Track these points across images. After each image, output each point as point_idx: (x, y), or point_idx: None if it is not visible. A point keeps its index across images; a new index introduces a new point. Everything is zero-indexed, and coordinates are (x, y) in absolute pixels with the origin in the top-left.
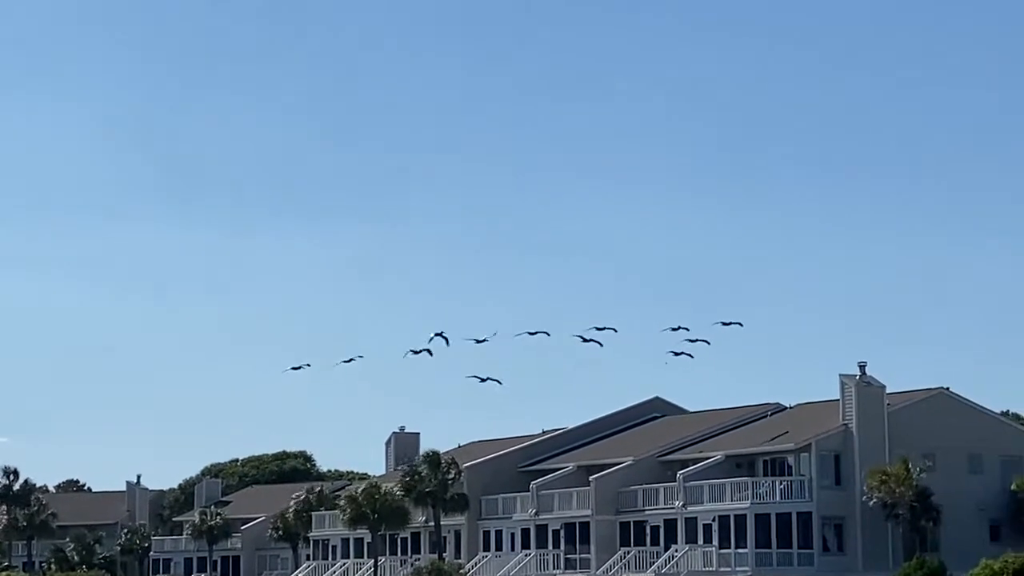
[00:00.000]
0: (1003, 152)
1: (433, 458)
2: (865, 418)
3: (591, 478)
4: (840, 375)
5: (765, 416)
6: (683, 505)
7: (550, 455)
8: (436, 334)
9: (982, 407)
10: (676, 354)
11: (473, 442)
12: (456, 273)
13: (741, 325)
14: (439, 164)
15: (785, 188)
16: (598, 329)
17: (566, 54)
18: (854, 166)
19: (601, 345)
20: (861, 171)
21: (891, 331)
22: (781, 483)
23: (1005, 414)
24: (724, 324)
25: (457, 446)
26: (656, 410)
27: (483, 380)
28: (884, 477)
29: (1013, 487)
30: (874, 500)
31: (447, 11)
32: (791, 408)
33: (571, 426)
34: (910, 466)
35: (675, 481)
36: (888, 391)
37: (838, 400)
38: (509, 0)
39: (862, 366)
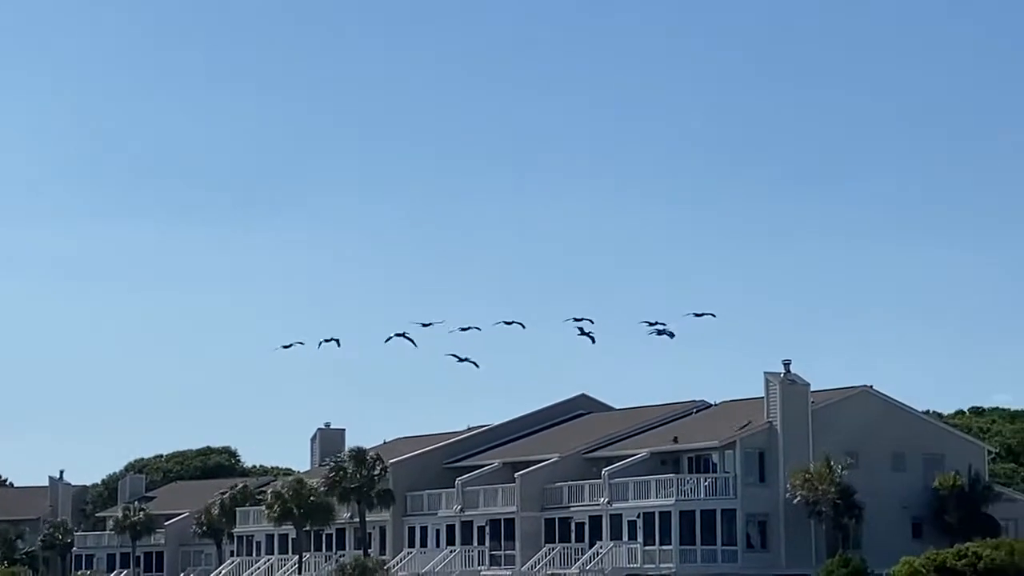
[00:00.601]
0: (926, 153)
1: (359, 454)
2: (789, 416)
3: (516, 475)
4: (765, 373)
5: (690, 413)
6: (608, 502)
7: (476, 452)
8: (398, 334)
9: (905, 405)
10: (659, 333)
11: (399, 438)
12: (398, 268)
13: (714, 316)
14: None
15: (711, 188)
16: (507, 323)
17: (559, 57)
18: (779, 166)
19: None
20: (786, 171)
21: (816, 330)
22: (706, 480)
23: (927, 412)
24: (696, 315)
25: (383, 442)
26: (582, 407)
27: (461, 360)
28: (808, 475)
29: (935, 485)
30: (798, 497)
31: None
32: (716, 405)
33: (497, 423)
34: (833, 464)
35: (600, 478)
36: (812, 389)
37: (763, 398)
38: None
39: (787, 364)
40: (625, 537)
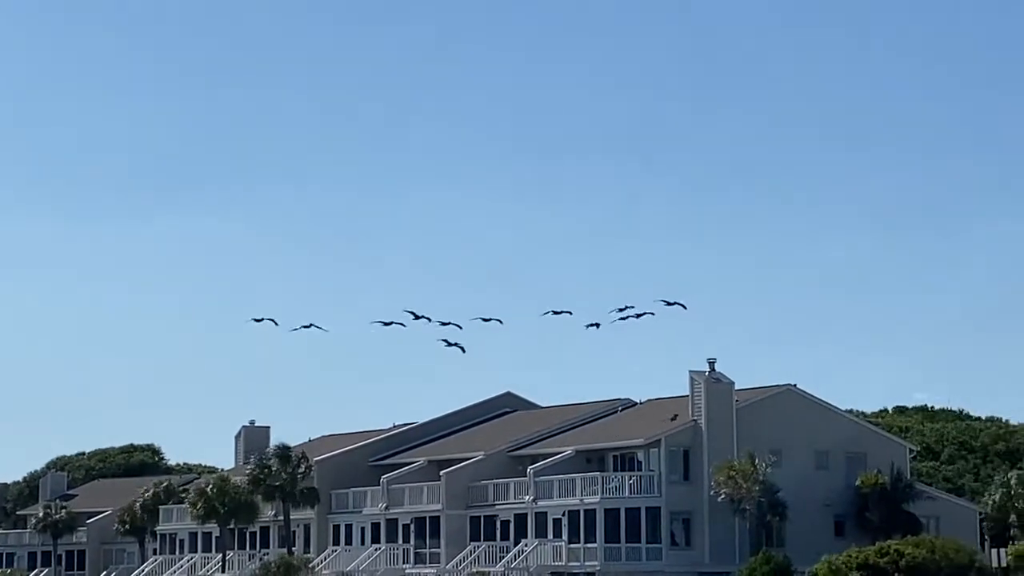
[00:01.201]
0: (848, 150)
1: (283, 452)
2: (714, 414)
3: (442, 472)
4: (690, 371)
5: (615, 411)
6: (533, 500)
7: (401, 449)
8: (413, 314)
9: (828, 404)
10: (635, 316)
11: (324, 436)
12: (325, 263)
13: (684, 307)
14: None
15: (633, 184)
16: (443, 323)
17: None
18: (703, 164)
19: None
20: (710, 168)
21: (740, 328)
22: (630, 478)
23: (850, 411)
24: (667, 304)
25: (308, 440)
26: (507, 405)
27: (449, 344)
28: (732, 473)
29: (857, 483)
30: (722, 495)
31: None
32: (641, 404)
33: (422, 421)
34: (757, 462)
35: (525, 476)
36: (737, 388)
37: (688, 396)
38: None
39: (711, 363)
40: (550, 535)
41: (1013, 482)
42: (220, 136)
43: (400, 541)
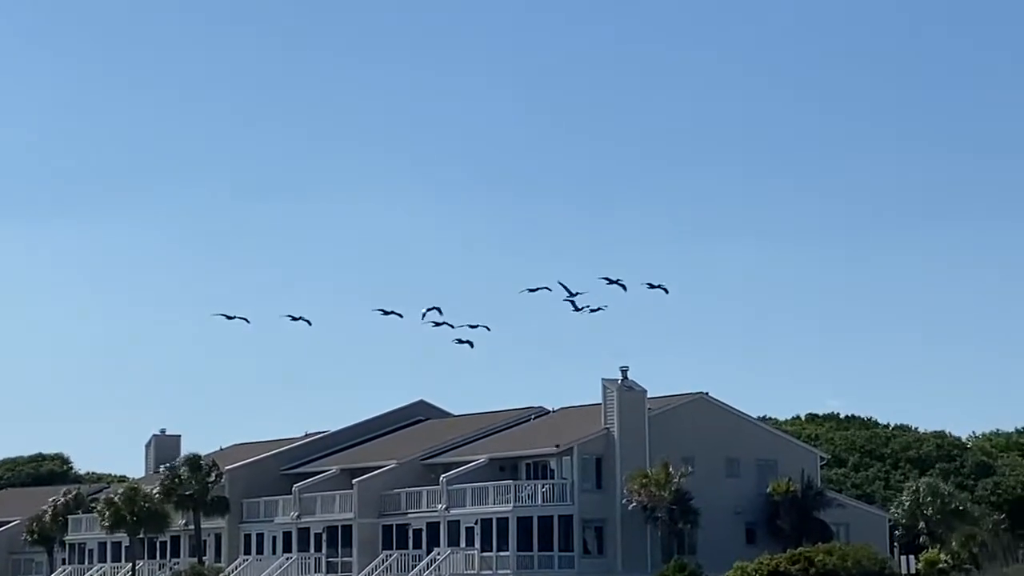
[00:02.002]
0: (747, 154)
1: (194, 461)
2: (626, 422)
3: (354, 481)
4: (602, 379)
5: (528, 419)
6: (446, 508)
7: (313, 458)
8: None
9: (739, 411)
10: (610, 281)
11: (235, 445)
12: (229, 266)
13: (666, 291)
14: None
15: (547, 187)
16: (383, 313)
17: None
18: (612, 174)
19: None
20: (618, 168)
21: (652, 336)
22: (543, 486)
23: (762, 419)
24: (651, 286)
25: (219, 448)
26: (420, 413)
27: (461, 342)
28: (644, 480)
29: (769, 490)
30: (634, 503)
31: None
32: (554, 412)
33: (335, 429)
34: (670, 470)
35: (438, 484)
36: (649, 395)
37: (600, 404)
38: None
39: (624, 371)
40: (463, 543)
41: (922, 489)
42: (118, 139)
43: (312, 550)
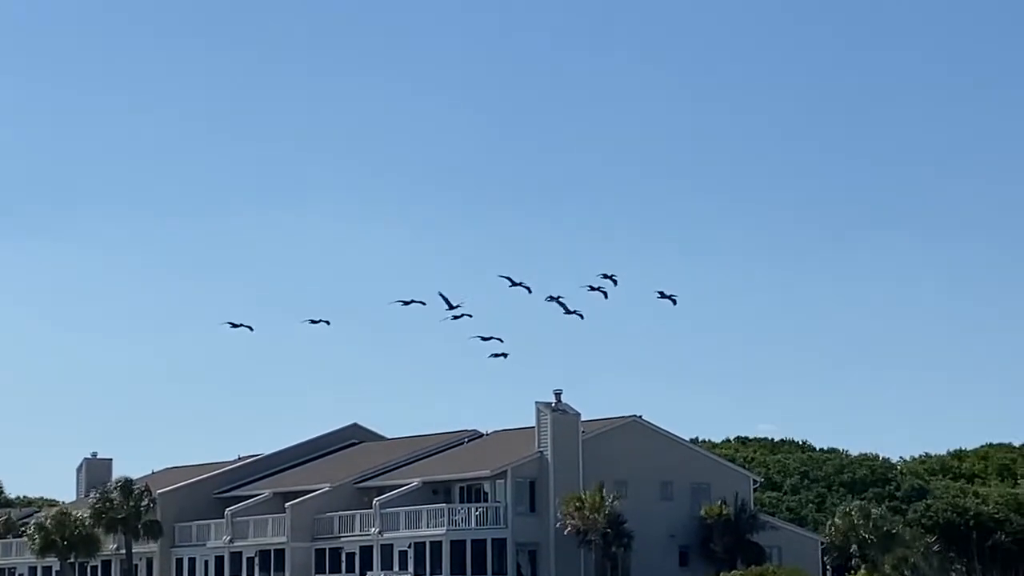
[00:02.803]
0: (677, 173)
1: (125, 484)
2: (560, 445)
3: (287, 505)
4: (536, 403)
5: (462, 443)
6: (379, 532)
7: (246, 482)
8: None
9: (673, 435)
10: (592, 289)
11: (168, 468)
12: (159, 287)
13: (675, 302)
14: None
15: (458, 209)
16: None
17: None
18: (543, 195)
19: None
20: (554, 197)
21: (587, 359)
22: (477, 510)
23: (695, 441)
24: (661, 296)
25: (151, 472)
26: (354, 436)
27: (486, 339)
28: (578, 504)
29: (702, 513)
30: (568, 527)
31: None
32: (488, 435)
33: (268, 452)
34: (603, 493)
35: (371, 508)
36: (583, 419)
37: (534, 427)
38: None
39: (557, 394)
40: (396, 567)
41: (855, 512)
42: (48, 160)
43: (244, 574)
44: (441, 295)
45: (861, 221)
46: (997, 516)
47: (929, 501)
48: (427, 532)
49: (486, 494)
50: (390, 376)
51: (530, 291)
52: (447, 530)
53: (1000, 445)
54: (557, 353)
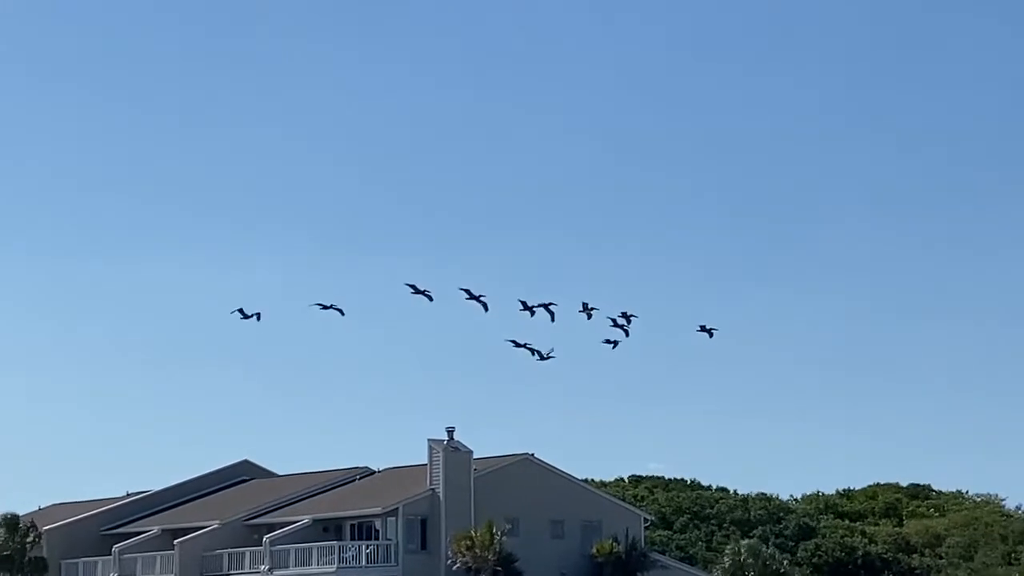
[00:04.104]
0: (569, 217)
1: (11, 521)
2: (452, 483)
3: (175, 542)
4: (428, 440)
5: (353, 480)
6: (269, 569)
7: (134, 518)
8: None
9: (565, 473)
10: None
11: (55, 504)
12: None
13: (711, 334)
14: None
15: (370, 250)
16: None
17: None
18: (427, 236)
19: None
20: (440, 233)
21: (479, 396)
22: (368, 547)
23: (587, 480)
24: (702, 329)
25: (37, 508)
26: (244, 473)
27: (519, 346)
28: (468, 542)
29: (593, 552)
30: (459, 564)
31: None
32: (379, 472)
33: (157, 489)
34: (494, 531)
35: (261, 545)
36: (475, 456)
37: (426, 465)
38: None
39: (450, 431)
40: None
41: (743, 551)
42: None
43: None
44: (319, 305)
45: (738, 265)
46: (884, 555)
47: (818, 540)
48: (317, 570)
49: (377, 531)
50: (282, 412)
51: (431, 299)
52: (338, 568)
53: (887, 485)
54: (451, 390)
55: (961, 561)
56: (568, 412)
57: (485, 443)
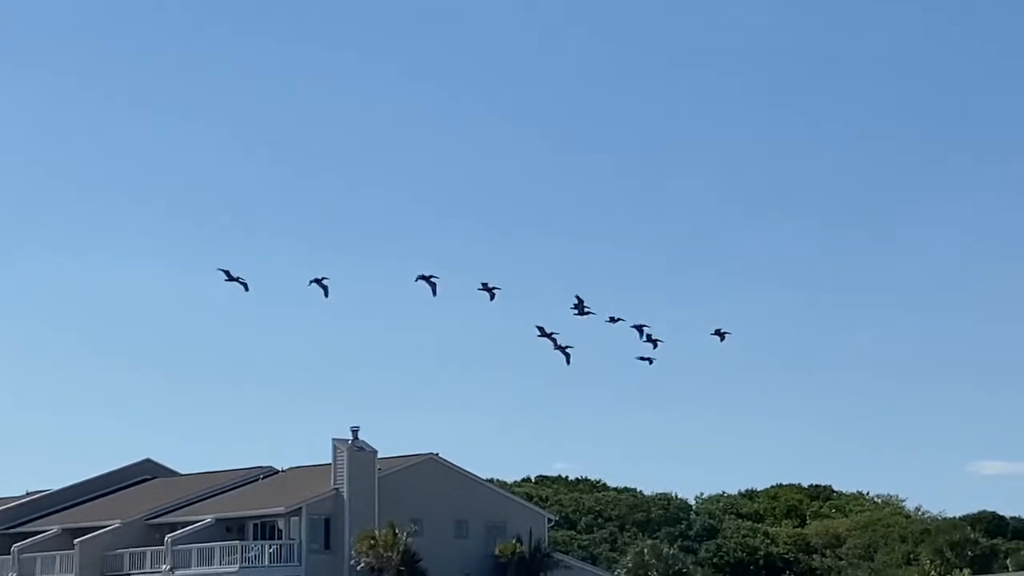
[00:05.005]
0: (466, 219)
1: None
2: (356, 483)
3: (76, 541)
4: (333, 439)
5: (257, 479)
6: (171, 569)
7: (34, 517)
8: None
9: (469, 473)
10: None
11: None
12: None
13: (722, 338)
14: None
15: (270, 247)
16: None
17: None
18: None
19: None
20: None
21: (384, 396)
22: (271, 547)
23: (491, 480)
24: (716, 333)
25: None
26: (146, 472)
27: (544, 334)
28: (372, 542)
29: (496, 552)
30: (362, 564)
31: None
32: (283, 471)
33: (57, 488)
34: (398, 531)
35: (163, 544)
36: (380, 456)
37: (330, 464)
38: None
39: (355, 431)
40: None
41: (646, 551)
42: None
43: None
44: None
45: (651, 272)
46: (786, 556)
47: (720, 541)
48: (220, 569)
49: (281, 531)
50: (185, 411)
51: (247, 288)
52: (240, 567)
53: (789, 486)
54: (356, 390)
55: (861, 561)
56: (474, 412)
57: (390, 443)
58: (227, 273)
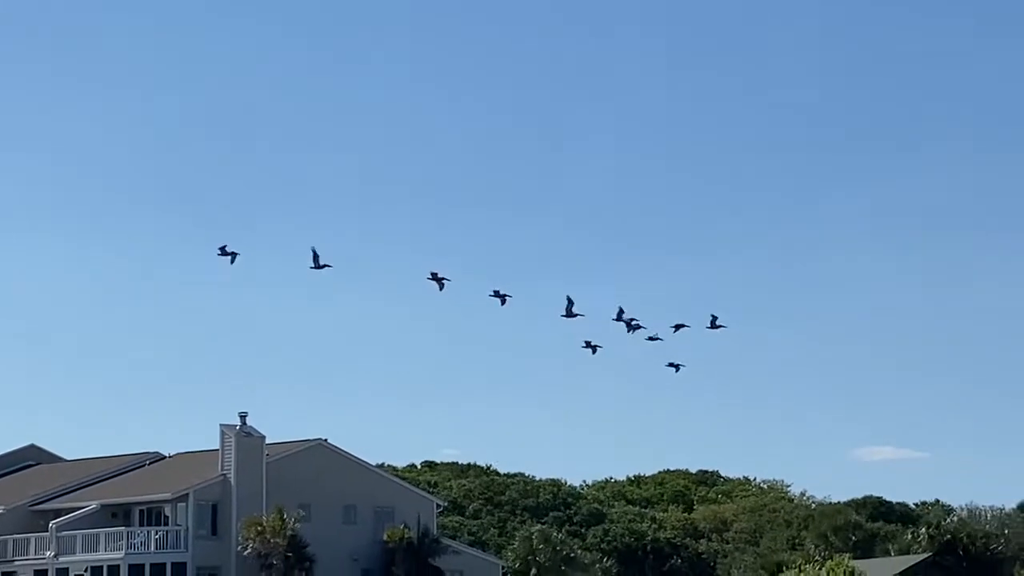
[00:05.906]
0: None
1: None
2: (244, 468)
3: None
4: (220, 425)
5: (144, 465)
6: (55, 555)
7: None
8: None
9: (358, 459)
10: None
11: None
12: None
13: (675, 329)
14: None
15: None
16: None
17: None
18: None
19: None
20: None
21: (272, 382)
22: (157, 533)
23: (380, 466)
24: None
25: None
26: (31, 458)
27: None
28: (259, 528)
29: (385, 537)
30: (249, 550)
31: None
32: (170, 457)
33: None
34: (285, 516)
35: (47, 531)
36: (268, 441)
37: (218, 450)
38: None
39: (243, 416)
40: None
41: (534, 537)
42: None
43: None
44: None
45: (549, 258)
46: (673, 540)
47: (607, 526)
48: (105, 556)
49: (167, 517)
50: (70, 396)
51: (232, 258)
52: (126, 553)
53: (676, 471)
54: (244, 375)
55: (747, 546)
56: (363, 398)
57: (278, 429)
58: (222, 249)
